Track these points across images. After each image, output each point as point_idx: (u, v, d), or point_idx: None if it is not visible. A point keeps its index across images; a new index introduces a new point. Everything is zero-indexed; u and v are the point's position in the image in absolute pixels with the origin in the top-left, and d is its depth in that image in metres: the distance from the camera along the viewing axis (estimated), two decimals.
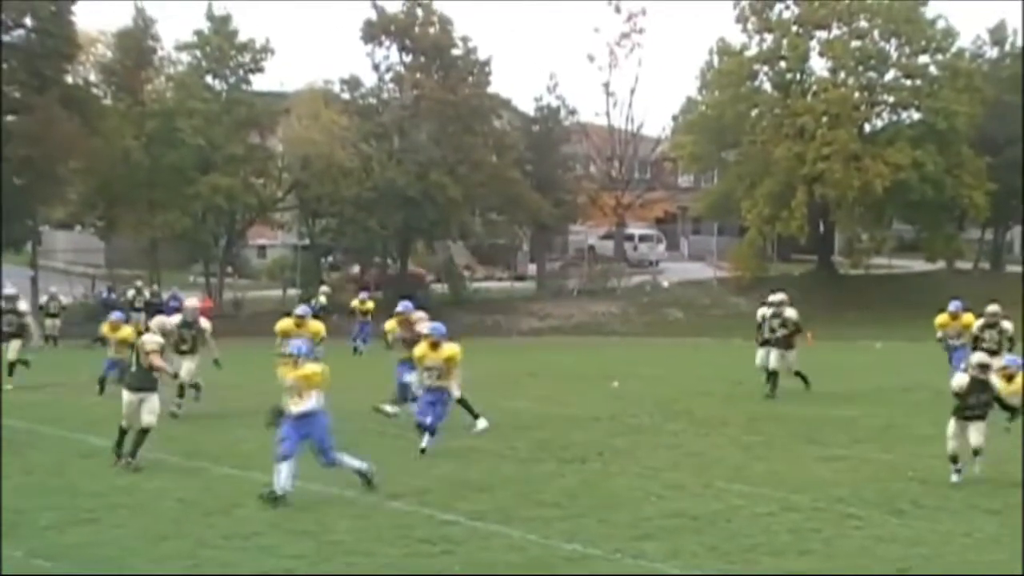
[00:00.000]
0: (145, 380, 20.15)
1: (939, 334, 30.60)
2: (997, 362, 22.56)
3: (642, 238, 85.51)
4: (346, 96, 67.52)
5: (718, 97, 72.84)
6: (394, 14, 67.59)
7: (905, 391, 33.01)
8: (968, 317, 29.81)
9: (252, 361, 40.05)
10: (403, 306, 25.79)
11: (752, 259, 72.42)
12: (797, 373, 30.49)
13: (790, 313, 30.24)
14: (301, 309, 28.82)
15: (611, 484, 19.32)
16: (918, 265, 77.44)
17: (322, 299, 47.56)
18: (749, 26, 72.11)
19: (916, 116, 71.55)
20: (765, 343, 30.32)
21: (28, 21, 57.57)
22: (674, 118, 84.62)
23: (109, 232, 65.05)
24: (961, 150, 68.55)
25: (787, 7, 71.65)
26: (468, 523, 16.47)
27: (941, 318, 30.70)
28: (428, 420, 21.38)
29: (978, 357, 19.99)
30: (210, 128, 60.16)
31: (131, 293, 53.37)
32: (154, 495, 17.95)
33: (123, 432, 20.21)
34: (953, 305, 30.56)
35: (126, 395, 20.40)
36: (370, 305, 46.14)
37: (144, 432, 19.88)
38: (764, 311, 30.63)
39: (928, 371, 37.69)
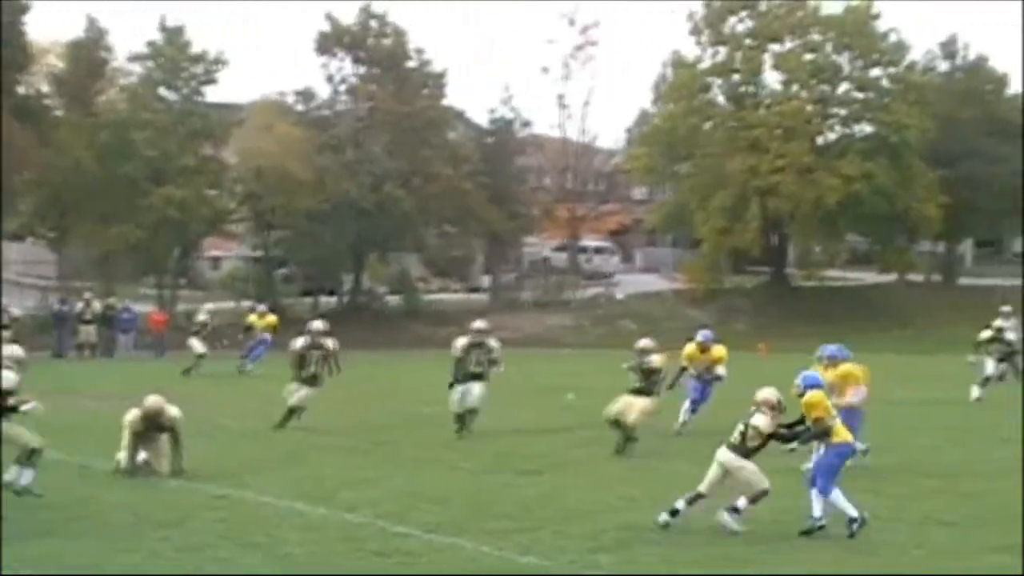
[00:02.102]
0: None
1: (692, 371, 27.10)
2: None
3: (596, 250, 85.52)
4: (300, 108, 67.30)
5: (672, 109, 73.03)
6: (348, 25, 67.41)
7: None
8: (718, 350, 27.04)
9: (205, 373, 39.97)
10: None
11: (706, 271, 72.60)
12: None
13: (493, 343, 26.57)
14: None
15: (566, 496, 19.32)
16: (871, 277, 77.81)
17: (201, 317, 42.85)
18: (703, 39, 72.36)
19: (868, 129, 71.99)
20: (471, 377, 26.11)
21: None
22: (628, 130, 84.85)
23: (61, 244, 64.57)
24: (913, 163, 68.93)
25: (741, 20, 71.91)
26: (422, 535, 16.42)
27: (689, 349, 27.29)
28: None
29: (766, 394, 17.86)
30: (163, 139, 59.85)
31: (80, 306, 52.85)
32: (109, 508, 17.84)
33: None
34: (703, 335, 27.70)
35: None
36: (272, 319, 42.80)
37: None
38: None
39: (881, 382, 37.76)
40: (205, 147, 63.10)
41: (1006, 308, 42.44)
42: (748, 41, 71.40)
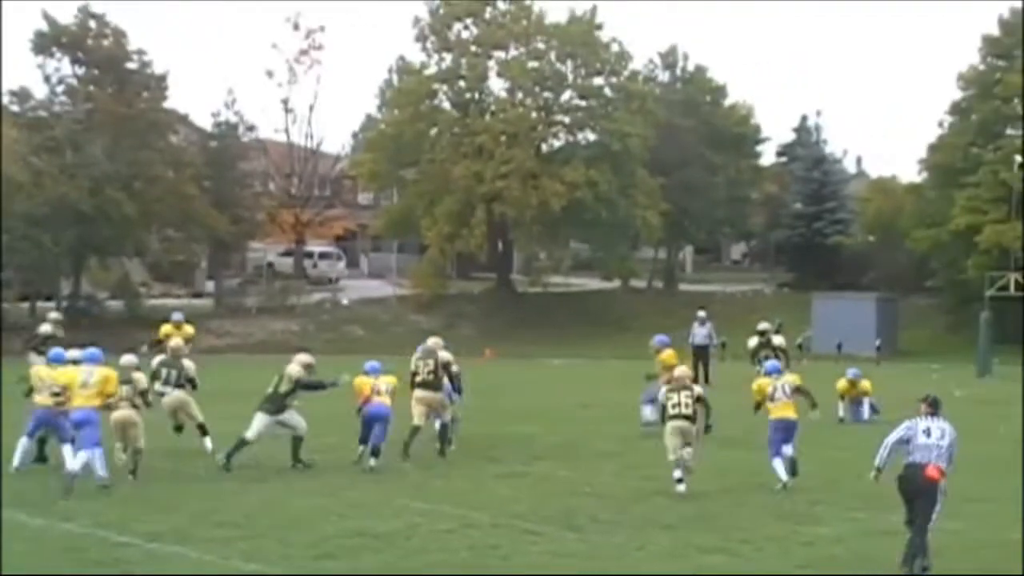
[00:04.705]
0: None
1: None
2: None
3: (322, 255, 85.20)
4: (16, 108, 65.49)
5: (398, 115, 73.14)
6: (66, 25, 65.90)
7: (583, 407, 33.52)
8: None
9: None
10: None
11: (432, 277, 72.76)
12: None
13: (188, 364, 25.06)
14: None
15: (292, 503, 19.18)
16: (594, 283, 79.03)
17: (47, 327, 34.77)
18: (429, 45, 72.67)
19: (592, 137, 73.11)
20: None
21: None
22: (354, 135, 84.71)
23: None
24: (635, 171, 70.28)
25: (466, 27, 72.43)
26: (144, 545, 16.15)
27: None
28: None
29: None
30: None
31: None
32: None
33: None
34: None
35: None
36: (190, 330, 36.08)
37: None
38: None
39: (605, 388, 38.37)
40: None
41: (701, 313, 43.52)
42: (474, 48, 71.93)
